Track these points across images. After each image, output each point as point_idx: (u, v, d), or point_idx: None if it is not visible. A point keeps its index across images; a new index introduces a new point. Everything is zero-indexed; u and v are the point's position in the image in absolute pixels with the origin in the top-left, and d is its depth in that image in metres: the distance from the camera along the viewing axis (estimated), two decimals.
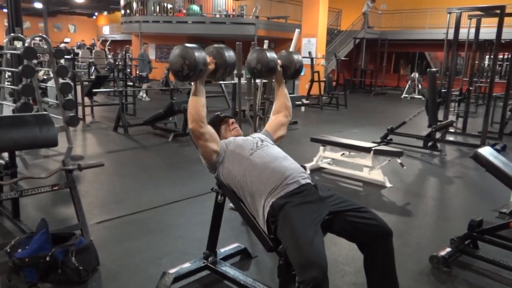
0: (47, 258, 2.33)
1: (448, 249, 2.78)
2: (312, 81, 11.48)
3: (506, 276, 2.63)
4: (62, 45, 20.15)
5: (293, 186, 1.98)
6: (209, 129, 2.10)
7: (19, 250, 2.40)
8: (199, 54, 1.90)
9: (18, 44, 5.65)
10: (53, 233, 2.54)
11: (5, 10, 7.36)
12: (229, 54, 2.08)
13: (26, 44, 5.17)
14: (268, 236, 1.98)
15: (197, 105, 2.01)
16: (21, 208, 3.21)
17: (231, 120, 2.41)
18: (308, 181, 2.06)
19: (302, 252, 1.69)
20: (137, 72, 12.02)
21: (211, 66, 2.02)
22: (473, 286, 2.54)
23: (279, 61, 2.40)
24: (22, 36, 5.70)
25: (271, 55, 2.31)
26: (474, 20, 7.37)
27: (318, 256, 1.67)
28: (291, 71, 2.44)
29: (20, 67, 5.01)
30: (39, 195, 3.05)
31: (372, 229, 1.90)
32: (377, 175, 4.55)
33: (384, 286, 1.95)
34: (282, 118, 2.49)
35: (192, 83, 2.01)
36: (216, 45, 2.10)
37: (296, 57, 2.44)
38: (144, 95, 11.96)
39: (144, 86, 11.84)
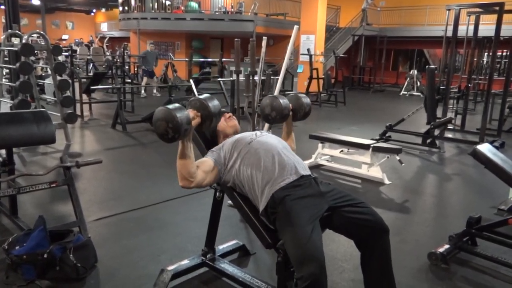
0: (45, 255, 2.32)
1: (447, 246, 2.78)
2: (310, 78, 11.47)
3: (504, 273, 2.63)
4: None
5: (293, 177, 1.97)
6: (200, 174, 2.00)
7: (17, 247, 2.39)
8: (181, 115, 1.82)
9: (16, 40, 5.64)
10: (51, 230, 2.54)
11: (2, 7, 7.32)
12: (213, 104, 2.00)
13: (24, 41, 5.15)
14: (270, 228, 1.98)
15: (186, 164, 1.92)
16: (19, 205, 3.20)
17: (228, 114, 2.40)
18: (308, 172, 2.06)
19: (300, 248, 1.69)
20: (144, 67, 11.89)
21: (196, 120, 1.95)
22: (472, 283, 2.54)
23: (290, 106, 2.40)
24: (19, 32, 5.68)
25: (285, 102, 2.33)
26: (473, 17, 7.36)
27: (315, 252, 1.67)
28: (301, 114, 2.46)
29: (17, 64, 5.00)
30: (37, 192, 3.03)
31: (369, 225, 1.91)
32: (375, 172, 4.55)
33: (381, 283, 1.94)
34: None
35: (179, 142, 1.91)
36: (200, 97, 2.02)
37: (305, 100, 2.46)
38: (154, 90, 12.15)
39: (153, 82, 11.90)
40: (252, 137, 2.15)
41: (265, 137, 2.17)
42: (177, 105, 1.88)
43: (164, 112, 1.83)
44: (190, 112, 1.93)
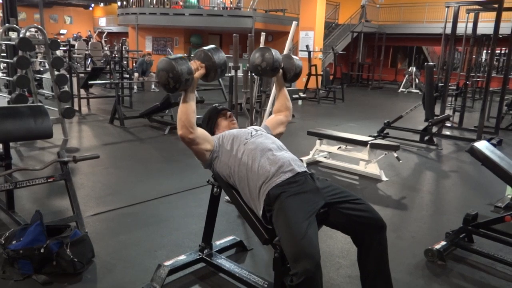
0: (42, 250, 2.31)
1: (443, 243, 2.79)
2: (309, 74, 11.46)
3: (500, 270, 2.64)
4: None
5: (288, 174, 1.97)
6: (199, 132, 2.07)
7: (14, 242, 2.39)
8: (182, 65, 1.91)
9: (13, 35, 5.61)
10: (48, 225, 2.54)
11: (0, 1, 7.28)
12: (219, 55, 2.06)
13: (21, 35, 5.13)
14: (266, 225, 1.98)
15: (188, 111, 1.98)
16: (16, 200, 3.19)
17: (229, 113, 2.41)
18: (304, 169, 2.05)
19: (295, 244, 1.69)
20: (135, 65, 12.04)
21: (200, 72, 2.03)
22: (468, 279, 2.55)
23: (281, 60, 2.40)
24: (17, 27, 5.65)
25: (277, 55, 2.32)
26: (472, 14, 7.36)
27: (311, 248, 1.67)
28: (291, 75, 2.46)
29: (15, 58, 4.97)
30: (34, 187, 3.03)
31: (366, 221, 1.90)
32: (373, 169, 4.56)
33: (377, 279, 1.95)
34: (282, 117, 2.51)
35: (182, 92, 2.01)
36: (204, 48, 2.08)
37: (297, 61, 2.46)
38: (153, 86, 12.25)
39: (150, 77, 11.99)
40: (247, 137, 2.14)
41: (260, 137, 2.16)
42: (179, 55, 1.97)
43: (165, 62, 1.92)
44: (194, 63, 2.01)
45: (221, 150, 2.14)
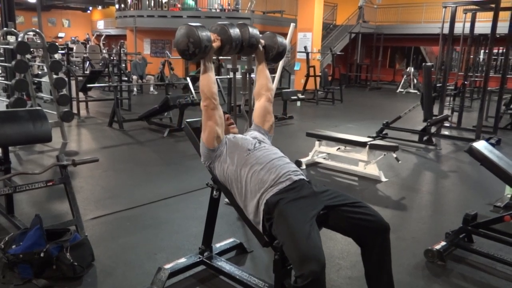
0: (42, 254, 2.31)
1: (443, 243, 2.79)
2: (307, 75, 11.47)
3: (500, 270, 2.64)
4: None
5: (286, 183, 1.97)
6: (221, 111, 2.14)
7: (13, 246, 2.39)
8: (202, 31, 1.98)
9: (11, 39, 5.61)
10: (48, 229, 2.54)
11: None
12: (234, 30, 2.13)
13: (19, 39, 5.13)
14: (263, 233, 1.98)
15: (209, 82, 2.07)
16: (15, 204, 3.19)
17: (227, 116, 2.40)
18: (302, 177, 2.05)
19: (300, 247, 1.68)
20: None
21: (217, 43, 2.09)
22: (468, 279, 2.55)
23: (262, 41, 2.37)
24: (15, 30, 5.65)
25: (253, 31, 2.27)
26: (469, 14, 7.38)
27: (315, 250, 1.67)
28: (273, 53, 2.39)
29: (13, 62, 4.97)
30: (34, 191, 3.03)
31: (369, 224, 1.90)
32: (372, 170, 4.56)
33: (381, 279, 1.95)
34: (265, 103, 2.41)
35: (201, 62, 2.07)
36: (220, 23, 2.14)
37: (280, 40, 2.40)
38: (151, 88, 12.30)
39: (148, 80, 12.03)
40: (250, 148, 2.13)
41: (261, 150, 2.14)
42: (198, 24, 2.01)
43: (186, 28, 1.98)
44: (211, 35, 2.06)
45: (225, 150, 2.14)
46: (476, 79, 11.61)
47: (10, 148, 3.23)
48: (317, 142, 5.02)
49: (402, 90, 15.30)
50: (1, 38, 5.57)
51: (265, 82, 2.43)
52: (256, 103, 2.46)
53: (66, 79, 6.61)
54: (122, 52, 11.55)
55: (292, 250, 1.72)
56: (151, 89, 12.20)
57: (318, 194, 1.96)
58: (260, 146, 2.18)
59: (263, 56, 2.41)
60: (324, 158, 5.11)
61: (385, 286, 1.96)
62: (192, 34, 1.95)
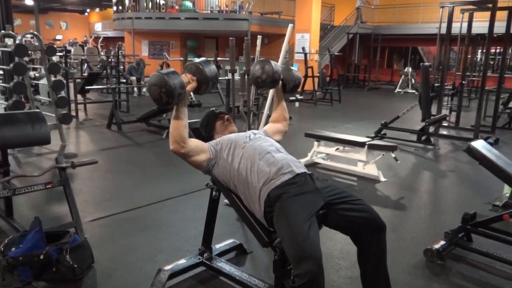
0: (41, 257, 2.31)
1: (442, 242, 2.80)
2: (306, 76, 11.48)
3: (499, 268, 2.65)
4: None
5: (288, 176, 1.97)
6: (192, 145, 2.06)
7: (13, 249, 2.38)
8: (174, 79, 1.89)
9: (9, 41, 5.60)
10: (47, 231, 2.53)
11: None
12: (210, 68, 2.05)
13: (17, 42, 5.12)
14: (267, 227, 1.98)
15: (179, 127, 1.99)
16: (14, 207, 3.18)
17: (226, 116, 2.41)
18: (304, 170, 2.05)
19: (297, 245, 1.69)
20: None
21: (192, 85, 2.02)
22: (467, 278, 2.56)
23: (281, 72, 2.43)
24: (13, 33, 5.65)
25: (276, 67, 2.35)
26: (466, 14, 7.40)
27: (313, 249, 1.67)
28: (290, 86, 2.49)
29: (11, 65, 4.97)
30: (33, 193, 3.02)
31: (365, 222, 1.91)
32: (371, 170, 4.57)
33: (377, 278, 1.96)
34: (280, 126, 2.54)
35: (174, 107, 1.99)
36: (195, 61, 2.07)
37: (296, 73, 2.50)
38: (144, 89, 12.18)
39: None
40: (246, 141, 2.15)
41: (258, 140, 2.16)
42: (171, 69, 1.95)
43: (157, 77, 1.90)
44: (185, 77, 2.00)
45: (219, 156, 2.14)
46: (473, 78, 11.63)
47: (9, 150, 3.23)
48: (315, 143, 5.03)
49: (400, 90, 15.33)
50: None
51: (283, 113, 2.57)
52: (272, 124, 2.57)
53: (64, 81, 6.61)
54: (120, 54, 11.54)
55: (290, 248, 1.73)
56: (144, 89, 12.10)
57: (320, 190, 1.97)
58: (256, 137, 2.20)
59: (281, 90, 2.51)
60: (323, 159, 5.12)
61: (382, 287, 1.96)
62: (163, 84, 1.87)
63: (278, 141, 2.43)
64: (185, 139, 2.02)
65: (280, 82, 2.45)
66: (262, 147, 2.10)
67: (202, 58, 2.13)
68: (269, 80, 2.33)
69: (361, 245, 1.96)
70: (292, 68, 2.55)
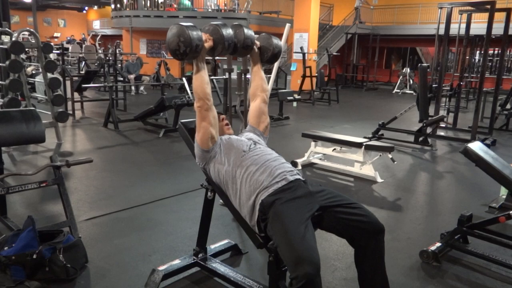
0: (34, 256, 2.29)
1: (438, 244, 2.79)
2: (304, 76, 11.47)
3: (495, 270, 2.64)
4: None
5: (281, 183, 1.96)
6: (215, 111, 2.13)
7: (6, 248, 2.37)
8: (193, 31, 1.96)
9: (6, 38, 5.57)
10: (41, 230, 2.51)
11: None
12: (227, 30, 2.10)
13: (14, 39, 5.09)
14: (259, 234, 1.97)
15: (202, 82, 2.06)
16: (8, 205, 3.16)
17: (222, 117, 2.39)
18: (298, 177, 2.04)
19: (294, 248, 1.67)
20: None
21: (209, 43, 2.07)
22: (463, 280, 2.55)
23: (257, 42, 2.36)
24: (9, 30, 5.62)
25: (248, 32, 2.25)
26: (465, 15, 7.39)
27: (310, 252, 1.66)
28: (268, 55, 2.37)
29: (7, 62, 4.94)
30: (27, 192, 3.00)
31: (363, 226, 1.89)
32: (368, 170, 4.56)
33: (375, 281, 1.94)
34: (260, 104, 2.40)
35: (193, 62, 2.05)
36: (213, 22, 2.12)
37: (275, 41, 2.38)
38: (141, 88, 12.26)
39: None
40: (245, 150, 2.12)
41: (257, 150, 2.13)
42: (190, 23, 2.00)
43: (176, 27, 1.98)
44: (203, 35, 2.04)
45: (219, 151, 2.13)
46: (471, 80, 11.64)
47: (3, 148, 3.20)
48: (313, 143, 5.01)
49: (398, 90, 15.34)
50: None
51: (260, 83, 2.42)
52: (251, 104, 2.45)
53: (61, 79, 6.58)
54: (118, 52, 11.51)
55: (286, 251, 1.71)
56: (141, 88, 12.12)
57: (313, 194, 1.95)
58: (255, 147, 2.16)
59: (258, 58, 2.40)
60: (320, 159, 5.11)
61: None
62: (182, 33, 1.94)
63: (267, 125, 2.41)
64: (210, 96, 2.09)
65: (257, 49, 2.36)
66: (261, 159, 2.07)
67: (220, 22, 2.13)
68: (240, 46, 2.21)
69: (358, 247, 1.94)
70: (273, 36, 2.40)
